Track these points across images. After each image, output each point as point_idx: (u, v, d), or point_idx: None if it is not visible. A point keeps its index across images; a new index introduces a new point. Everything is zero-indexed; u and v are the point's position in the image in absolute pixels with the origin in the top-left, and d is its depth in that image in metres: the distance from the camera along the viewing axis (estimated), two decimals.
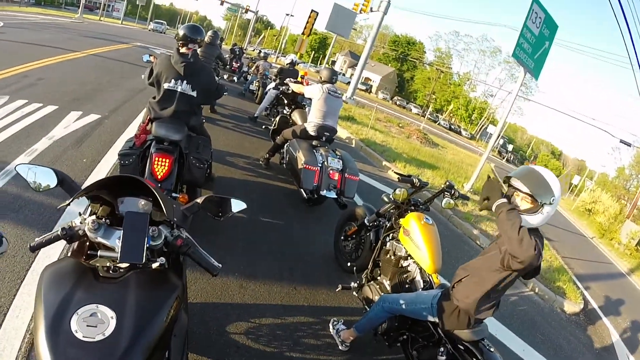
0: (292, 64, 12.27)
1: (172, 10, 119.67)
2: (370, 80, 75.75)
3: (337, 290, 4.31)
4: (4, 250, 1.71)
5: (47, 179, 2.08)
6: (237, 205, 2.35)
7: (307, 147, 6.13)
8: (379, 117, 21.71)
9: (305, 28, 30.02)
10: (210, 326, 3.48)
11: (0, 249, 1.68)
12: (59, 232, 1.82)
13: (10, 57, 11.59)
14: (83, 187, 1.97)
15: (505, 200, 2.67)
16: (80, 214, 1.94)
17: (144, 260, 1.72)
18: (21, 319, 2.97)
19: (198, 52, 4.88)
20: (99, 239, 1.83)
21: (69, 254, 2.06)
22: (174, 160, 4.15)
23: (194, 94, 4.61)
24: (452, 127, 67.77)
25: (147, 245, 1.78)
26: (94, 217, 1.89)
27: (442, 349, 3.14)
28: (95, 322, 1.49)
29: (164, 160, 4.08)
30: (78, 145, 6.35)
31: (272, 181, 7.10)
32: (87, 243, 2.01)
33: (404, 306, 3.25)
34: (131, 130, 7.47)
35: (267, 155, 7.52)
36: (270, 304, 3.99)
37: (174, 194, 4.23)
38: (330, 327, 3.87)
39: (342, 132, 13.54)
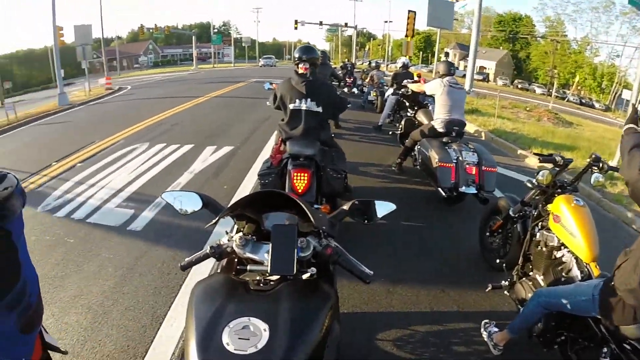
0: (405, 66, 12.00)
1: (276, 44, 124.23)
2: (485, 68, 71.21)
3: (487, 290, 3.78)
4: (10, 184, 1.58)
5: (192, 202, 2.15)
6: (384, 208, 2.23)
7: (438, 144, 5.86)
8: (503, 105, 20.45)
9: (407, 30, 29.50)
10: (358, 334, 3.40)
11: (5, 182, 1.56)
12: (207, 251, 1.85)
13: (142, 111, 12.97)
14: (227, 207, 1.97)
15: (631, 125, 2.39)
16: (227, 233, 1.97)
17: (294, 272, 1.67)
18: (175, 328, 3.30)
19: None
20: (248, 254, 1.83)
21: (219, 271, 2.08)
22: (312, 173, 4.21)
23: (320, 109, 4.63)
24: (583, 101, 61.26)
25: (297, 256, 1.72)
26: (240, 234, 1.89)
27: (605, 349, 2.63)
28: (247, 334, 1.44)
29: (302, 175, 4.17)
30: (217, 175, 6.87)
31: (408, 185, 6.86)
32: (236, 259, 2.00)
33: (562, 300, 2.80)
34: (264, 155, 7.77)
35: (399, 160, 7.32)
36: (418, 309, 3.76)
37: (316, 206, 4.21)
38: (482, 330, 3.48)
39: (469, 126, 12.76)
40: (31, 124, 13.89)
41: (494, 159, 5.69)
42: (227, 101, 15.51)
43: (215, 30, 63.43)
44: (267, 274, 1.74)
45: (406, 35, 30.10)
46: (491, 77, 69.10)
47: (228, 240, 1.89)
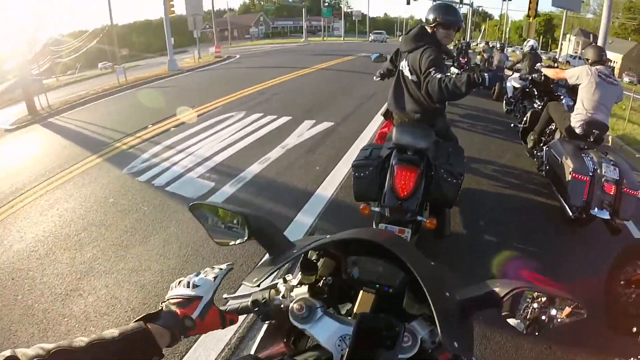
0: (534, 49, 10.62)
1: (387, 19, 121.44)
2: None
3: None
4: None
5: (234, 226, 1.37)
6: None
7: (574, 150, 4.70)
8: (632, 106, 17.84)
9: (529, 9, 27.10)
10: None
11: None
12: (248, 304, 1.22)
13: (246, 80, 12.86)
14: (303, 247, 1.20)
15: None
16: (284, 280, 1.25)
17: None
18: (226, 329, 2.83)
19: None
20: (310, 331, 1.07)
21: (264, 333, 1.32)
22: (419, 173, 3.34)
23: (414, 78, 3.65)
24: None
25: None
26: (304, 292, 1.17)
27: None
28: None
29: (407, 174, 3.31)
30: (311, 153, 6.27)
31: (526, 194, 5.51)
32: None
33: None
34: (365, 137, 7.20)
35: (534, 137, 6.11)
36: None
37: (419, 217, 3.33)
38: None
39: None
40: (140, 87, 14.53)
41: (636, 178, 4.42)
42: (333, 74, 15.00)
43: (326, 4, 63.81)
44: None
45: (528, 16, 27.69)
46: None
47: (282, 297, 1.20)
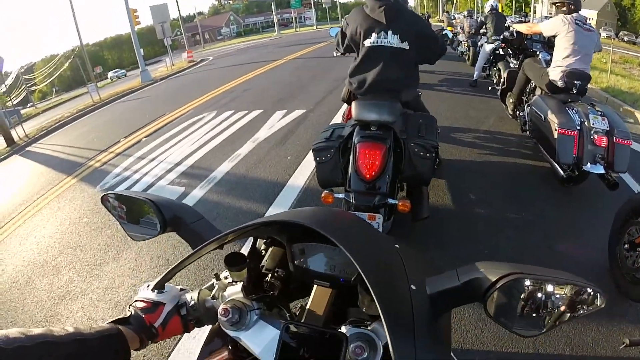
0: (494, 9, 10.29)
1: (358, 4, 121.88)
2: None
3: (620, 347, 1.88)
4: None
5: (146, 217, 1.21)
6: None
7: (557, 104, 4.34)
8: (612, 59, 17.65)
9: None
10: None
11: None
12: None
13: (217, 80, 12.76)
14: (218, 237, 0.95)
15: None
16: (216, 276, 1.07)
17: None
18: (197, 340, 2.68)
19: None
20: (243, 339, 0.87)
21: (206, 338, 1.08)
22: (385, 151, 2.99)
23: (405, 45, 3.38)
24: None
25: None
26: (238, 289, 1.00)
27: None
28: None
29: (372, 152, 2.97)
30: (282, 144, 6.14)
31: (514, 158, 5.14)
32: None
33: None
34: (339, 119, 6.76)
35: (514, 99, 5.63)
36: (517, 349, 2.43)
37: (390, 200, 2.97)
38: None
39: None
40: (114, 103, 14.54)
41: (627, 127, 4.08)
42: (306, 62, 14.89)
43: None
44: None
45: None
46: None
47: (213, 298, 1.04)
